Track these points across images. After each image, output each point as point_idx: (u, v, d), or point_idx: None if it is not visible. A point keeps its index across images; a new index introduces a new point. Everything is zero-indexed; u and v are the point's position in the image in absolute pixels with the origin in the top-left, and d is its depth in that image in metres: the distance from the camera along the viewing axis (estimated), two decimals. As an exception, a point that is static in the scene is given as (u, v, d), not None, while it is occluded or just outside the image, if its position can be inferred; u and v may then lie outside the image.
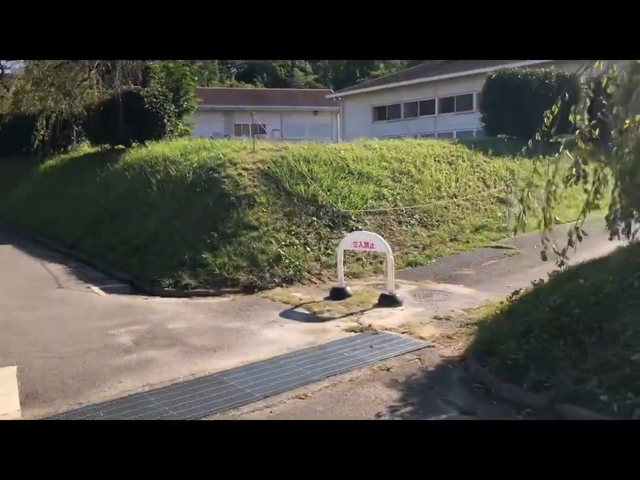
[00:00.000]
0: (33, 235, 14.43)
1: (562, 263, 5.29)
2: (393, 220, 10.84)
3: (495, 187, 13.16)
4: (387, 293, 7.36)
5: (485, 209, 12.29)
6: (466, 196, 12.43)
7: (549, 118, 5.26)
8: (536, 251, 10.25)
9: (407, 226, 10.82)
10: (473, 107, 27.15)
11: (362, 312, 7.05)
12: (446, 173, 12.80)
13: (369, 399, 4.46)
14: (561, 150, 5.15)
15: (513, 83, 16.21)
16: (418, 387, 4.69)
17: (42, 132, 16.53)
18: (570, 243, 5.10)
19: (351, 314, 6.98)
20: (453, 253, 10.33)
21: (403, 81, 29.57)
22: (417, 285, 8.36)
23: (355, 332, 6.25)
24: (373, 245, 7.54)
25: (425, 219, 11.20)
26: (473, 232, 11.36)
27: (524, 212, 5.33)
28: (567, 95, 5.14)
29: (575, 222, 5.20)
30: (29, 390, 4.79)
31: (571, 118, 5.00)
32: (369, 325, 6.41)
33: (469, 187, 12.79)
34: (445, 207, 11.79)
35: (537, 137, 5.36)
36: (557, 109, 5.20)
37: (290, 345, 5.87)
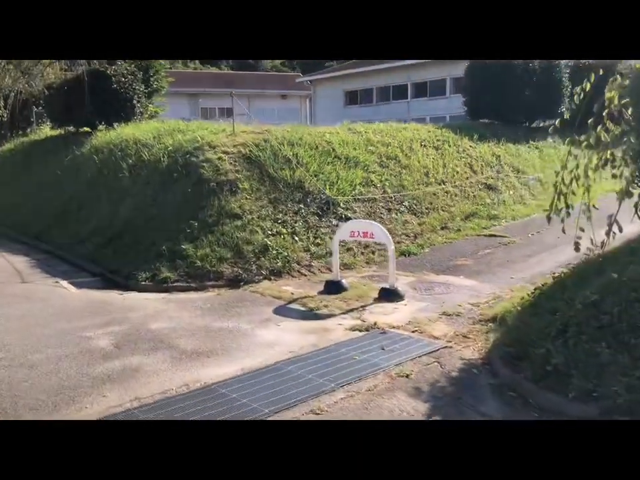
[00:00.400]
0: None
1: (599, 255, 4.84)
2: (382, 207, 10.31)
3: (482, 173, 12.76)
4: (388, 287, 6.83)
5: (474, 196, 11.89)
6: (454, 182, 12.00)
7: (578, 94, 4.76)
8: (531, 239, 10.03)
9: (396, 213, 10.31)
10: (447, 92, 26.91)
11: (363, 308, 6.51)
12: (433, 158, 12.32)
13: (394, 413, 3.93)
14: (597, 131, 4.65)
15: (496, 67, 15.79)
16: (445, 397, 4.18)
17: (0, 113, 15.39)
18: (608, 233, 4.64)
19: (352, 310, 6.43)
20: (445, 242, 9.88)
21: (375, 65, 28.98)
22: (414, 277, 7.86)
23: (360, 331, 5.70)
24: (372, 234, 6.99)
25: (415, 206, 10.71)
26: (464, 220, 10.95)
27: (558, 197, 4.82)
28: (600, 71, 4.65)
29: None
30: (-6, 409, 4.09)
31: (607, 96, 4.51)
32: (375, 323, 5.87)
33: (457, 172, 12.35)
34: (434, 194, 11.33)
35: (565, 117, 4.87)
36: (588, 86, 4.71)
37: (291, 347, 5.29)
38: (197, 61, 67.05)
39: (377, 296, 6.85)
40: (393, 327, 5.77)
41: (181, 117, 22.80)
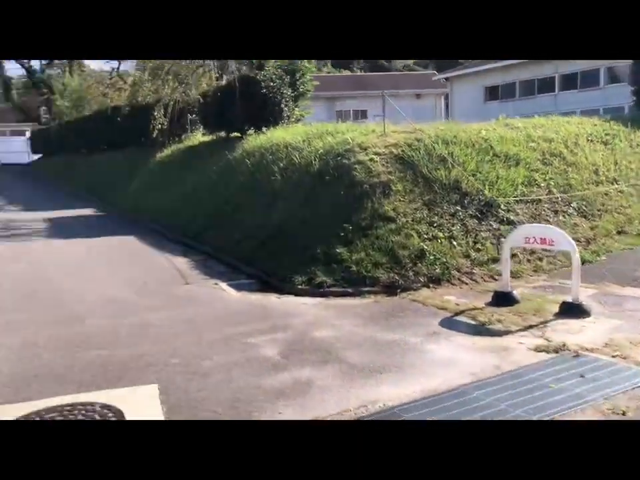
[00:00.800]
0: (153, 225, 14.30)
1: None
2: (548, 209, 9.37)
3: (662, 170, 11.23)
4: (571, 300, 6.04)
5: (654, 196, 10.48)
6: (628, 181, 10.67)
7: None
8: None
9: (564, 216, 9.33)
10: (600, 82, 24.71)
11: (543, 324, 5.79)
12: (602, 155, 11.08)
13: (618, 461, 3.27)
14: None
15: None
16: (680, 444, 3.43)
17: (160, 121, 16.42)
18: None
19: (530, 327, 5.75)
20: (624, 249, 8.77)
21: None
22: (595, 289, 6.95)
23: (547, 352, 5.03)
24: (552, 241, 6.23)
25: (585, 208, 9.64)
26: (643, 223, 9.66)
27: None
28: None
29: None
30: (176, 419, 4.04)
31: None
32: (563, 344, 5.15)
33: (631, 170, 11.02)
34: (606, 194, 10.14)
35: None
36: None
37: (472, 368, 4.77)
38: (329, 64, 68.04)
39: (557, 310, 6.09)
40: (587, 350, 5.02)
41: (319, 120, 23.01)
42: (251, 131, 14.39)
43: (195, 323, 6.50)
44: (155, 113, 16.43)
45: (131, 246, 12.01)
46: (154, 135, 16.90)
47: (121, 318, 6.74)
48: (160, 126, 16.55)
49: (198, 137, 18.19)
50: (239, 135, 14.97)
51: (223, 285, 8.31)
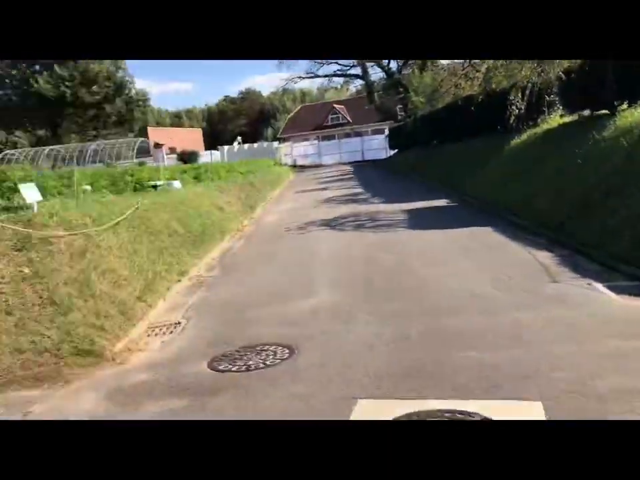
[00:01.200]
0: (507, 215, 13.69)
1: None
2: None
3: None
4: None
5: None
6: None
7: None
8: None
9: None
10: None
11: None
12: None
13: None
14: None
15: None
16: None
17: (517, 106, 15.62)
18: None
19: None
20: None
21: None
22: None
23: None
24: None
25: None
26: None
27: None
28: None
29: None
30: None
31: None
32: None
33: None
34: None
35: None
36: None
37: None
38: None
39: None
40: None
41: None
42: (624, 106, 12.40)
43: (572, 329, 5.72)
44: (512, 98, 15.67)
45: (486, 237, 11.66)
46: (510, 121, 16.15)
47: (488, 315, 6.42)
48: (517, 111, 15.71)
49: (556, 118, 16.71)
50: (607, 112, 13.10)
51: (599, 286, 7.22)
